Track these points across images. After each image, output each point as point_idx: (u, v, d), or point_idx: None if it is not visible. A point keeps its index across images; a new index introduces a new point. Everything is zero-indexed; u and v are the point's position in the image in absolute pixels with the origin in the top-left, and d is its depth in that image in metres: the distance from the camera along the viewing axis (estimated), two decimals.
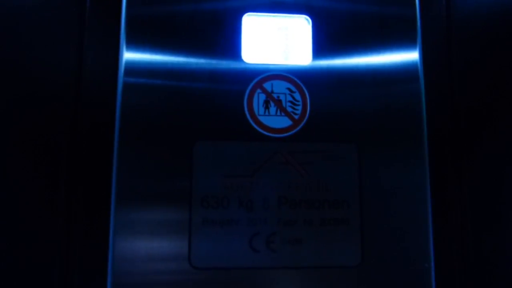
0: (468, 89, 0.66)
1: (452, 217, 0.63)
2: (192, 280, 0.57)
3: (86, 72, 0.61)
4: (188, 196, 0.58)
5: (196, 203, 0.58)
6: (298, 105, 0.61)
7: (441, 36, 0.67)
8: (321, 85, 0.62)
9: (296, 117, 0.61)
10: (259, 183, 0.59)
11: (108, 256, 0.56)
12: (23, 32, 0.60)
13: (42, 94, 0.60)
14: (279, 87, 0.61)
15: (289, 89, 0.62)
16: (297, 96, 0.61)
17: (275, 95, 0.61)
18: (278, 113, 0.61)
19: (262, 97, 0.61)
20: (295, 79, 0.62)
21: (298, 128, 0.61)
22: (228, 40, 0.62)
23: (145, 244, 0.57)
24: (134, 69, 0.60)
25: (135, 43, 0.60)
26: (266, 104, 0.61)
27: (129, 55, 0.60)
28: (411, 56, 0.64)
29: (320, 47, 0.63)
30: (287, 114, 0.61)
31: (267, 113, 0.61)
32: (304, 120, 0.61)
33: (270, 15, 0.64)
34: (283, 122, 0.61)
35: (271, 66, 0.62)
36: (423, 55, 0.65)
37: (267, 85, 0.61)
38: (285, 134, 0.61)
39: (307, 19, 0.64)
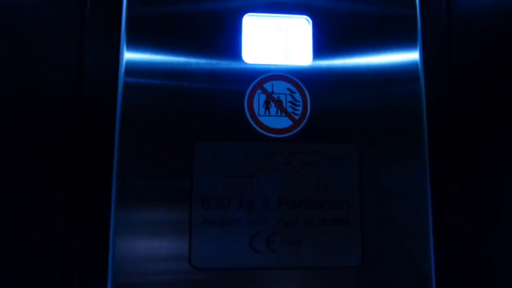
0: (468, 89, 0.66)
1: (453, 217, 0.63)
2: (192, 280, 0.57)
3: (86, 72, 0.61)
4: (188, 196, 0.58)
5: (197, 203, 0.58)
6: (298, 105, 0.61)
7: (442, 36, 0.67)
8: (322, 85, 0.62)
9: (296, 117, 0.61)
10: (260, 184, 0.59)
11: (108, 256, 0.56)
12: (24, 32, 0.60)
13: (42, 94, 0.60)
14: (280, 88, 0.61)
15: (289, 89, 0.62)
16: (298, 96, 0.61)
17: (275, 96, 0.61)
18: (279, 113, 0.61)
19: (263, 97, 0.61)
20: (296, 79, 0.62)
21: (298, 129, 0.61)
22: (228, 41, 0.62)
23: (145, 244, 0.57)
24: (135, 69, 0.60)
25: (136, 43, 0.60)
26: (267, 104, 0.61)
27: (129, 55, 0.60)
28: (412, 56, 0.64)
29: (321, 48, 0.63)
30: (288, 114, 0.61)
31: (267, 113, 0.61)
32: (305, 121, 0.61)
33: (270, 16, 0.64)
34: (283, 122, 0.61)
35: (271, 67, 0.62)
36: (424, 55, 0.65)
37: (267, 86, 0.61)
38: (286, 135, 0.61)
39: (307, 20, 0.64)
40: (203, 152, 0.59)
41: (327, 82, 0.62)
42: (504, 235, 0.63)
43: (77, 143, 0.60)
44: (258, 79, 0.61)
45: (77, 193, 0.59)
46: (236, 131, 0.60)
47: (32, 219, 0.57)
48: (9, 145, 0.58)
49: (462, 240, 0.63)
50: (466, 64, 0.67)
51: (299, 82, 0.62)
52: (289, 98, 0.61)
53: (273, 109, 0.61)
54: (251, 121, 0.60)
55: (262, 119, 0.60)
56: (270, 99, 0.61)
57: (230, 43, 0.62)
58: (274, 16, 0.64)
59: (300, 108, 0.61)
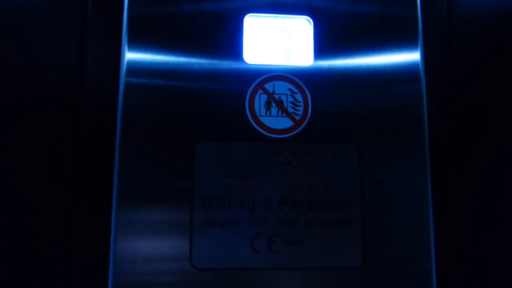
0: (469, 90, 0.66)
1: (453, 217, 0.63)
2: (193, 281, 0.57)
3: (88, 72, 0.61)
4: (189, 196, 0.58)
5: (198, 203, 0.58)
6: (299, 106, 0.61)
7: (443, 36, 0.67)
8: (323, 86, 0.62)
9: (297, 118, 0.61)
10: (261, 184, 0.59)
11: (109, 256, 0.56)
12: (25, 32, 0.60)
13: (43, 94, 0.60)
14: (281, 88, 0.61)
15: (290, 90, 0.62)
16: (299, 97, 0.61)
17: (276, 96, 0.61)
18: (280, 114, 0.61)
19: (264, 98, 0.61)
20: (297, 80, 0.62)
21: (299, 129, 0.61)
22: (229, 41, 0.62)
23: (146, 244, 0.57)
24: (136, 69, 0.60)
25: (137, 44, 0.60)
26: (268, 105, 0.61)
27: (130, 55, 0.60)
28: (413, 56, 0.64)
29: (322, 48, 0.63)
30: (289, 115, 0.61)
31: (268, 114, 0.61)
32: (306, 121, 0.61)
33: (271, 16, 0.64)
34: (284, 123, 0.61)
35: (272, 67, 0.62)
36: (425, 55, 0.65)
37: (268, 86, 0.61)
38: (287, 135, 0.61)
39: (308, 20, 0.64)
40: (204, 152, 0.59)
41: (328, 82, 0.62)
42: (504, 235, 0.63)
43: (78, 143, 0.60)
44: (259, 79, 0.61)
45: (78, 193, 0.59)
46: (237, 131, 0.60)
47: (33, 219, 0.57)
48: (10, 145, 0.58)
49: (463, 240, 0.63)
50: (467, 64, 0.67)
51: (300, 83, 0.62)
52: (290, 99, 0.61)
53: (274, 110, 0.61)
54: (252, 122, 0.60)
55: (263, 120, 0.60)
56: (271, 100, 0.61)
57: (231, 44, 0.62)
58: (275, 17, 0.64)
59: (301, 108, 0.61)
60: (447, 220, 0.63)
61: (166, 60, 0.60)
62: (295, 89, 0.62)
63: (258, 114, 0.61)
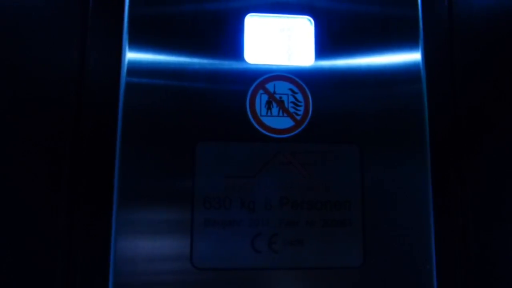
0: (470, 90, 0.66)
1: (454, 218, 0.63)
2: (194, 281, 0.57)
3: (89, 72, 0.61)
4: (190, 196, 0.58)
5: (198, 203, 0.58)
6: (300, 106, 0.61)
7: (443, 37, 0.67)
8: (324, 86, 0.62)
9: (298, 117, 0.61)
10: (261, 184, 0.59)
11: (110, 256, 0.56)
12: (25, 32, 0.60)
13: (44, 94, 0.60)
14: (282, 88, 0.61)
15: (291, 89, 0.62)
16: (300, 97, 0.61)
17: (277, 96, 0.61)
18: (281, 113, 0.61)
19: (265, 97, 0.61)
20: (298, 80, 0.62)
21: (300, 129, 0.61)
22: (230, 41, 0.62)
23: (147, 244, 0.57)
24: (137, 69, 0.59)
25: (138, 43, 0.60)
26: (269, 104, 0.61)
27: (131, 55, 0.60)
28: (413, 56, 0.64)
29: (323, 48, 0.63)
30: (289, 114, 0.61)
31: (269, 113, 0.61)
32: (306, 121, 0.61)
33: (272, 16, 0.64)
34: (285, 123, 0.61)
35: (273, 67, 0.62)
36: (425, 56, 0.65)
37: (269, 86, 0.61)
38: (287, 135, 0.61)
39: (309, 20, 0.64)
40: (205, 152, 0.59)
41: (329, 82, 0.62)
42: (505, 235, 0.63)
43: (79, 143, 0.60)
44: (260, 79, 0.61)
45: (78, 193, 0.59)
46: (238, 131, 0.60)
47: (34, 219, 0.57)
48: (11, 145, 0.58)
49: (464, 241, 0.63)
50: (468, 64, 0.67)
51: (301, 83, 0.62)
52: (291, 99, 0.61)
53: (275, 110, 0.61)
54: (253, 121, 0.60)
55: (264, 120, 0.60)
56: (272, 100, 0.61)
57: (232, 43, 0.62)
58: (276, 17, 0.64)
59: (302, 108, 0.61)
60: (448, 220, 0.63)
61: (167, 60, 0.60)
62: (296, 89, 0.62)
63: (259, 114, 0.60)
